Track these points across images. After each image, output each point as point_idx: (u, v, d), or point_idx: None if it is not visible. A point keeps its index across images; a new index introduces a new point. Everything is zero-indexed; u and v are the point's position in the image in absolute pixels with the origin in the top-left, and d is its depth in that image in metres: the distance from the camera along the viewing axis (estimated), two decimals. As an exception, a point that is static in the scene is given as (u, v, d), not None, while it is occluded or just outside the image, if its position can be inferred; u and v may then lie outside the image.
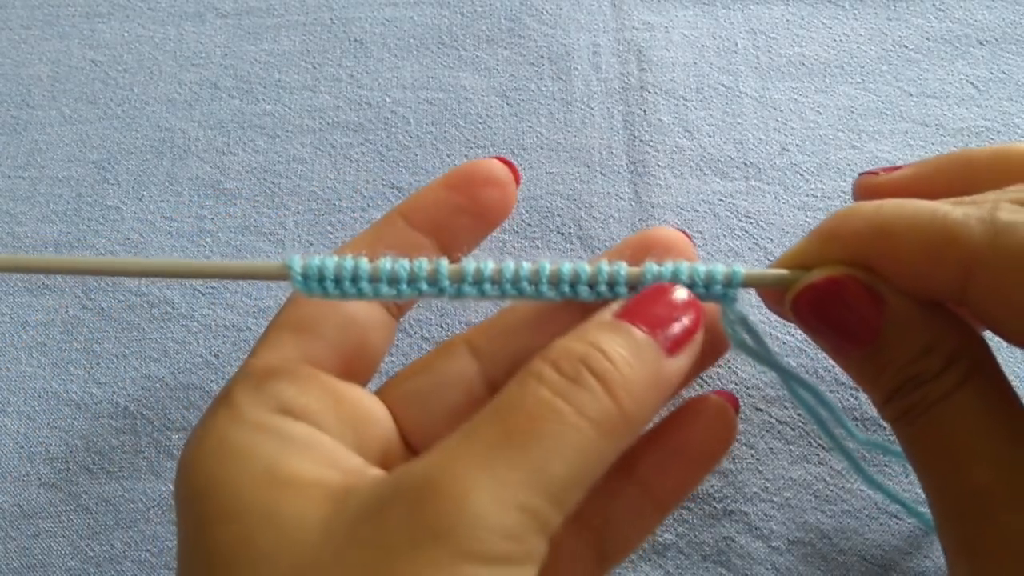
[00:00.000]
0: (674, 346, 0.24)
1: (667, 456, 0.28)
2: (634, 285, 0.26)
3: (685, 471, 0.29)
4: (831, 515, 0.34)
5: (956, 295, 0.24)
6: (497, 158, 0.30)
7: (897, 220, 0.25)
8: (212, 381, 0.37)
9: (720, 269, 0.26)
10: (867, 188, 0.31)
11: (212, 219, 0.41)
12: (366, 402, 0.27)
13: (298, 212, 0.41)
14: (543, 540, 0.21)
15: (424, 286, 0.26)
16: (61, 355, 0.38)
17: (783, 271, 0.27)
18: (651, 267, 0.26)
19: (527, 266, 0.26)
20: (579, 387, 0.22)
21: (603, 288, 0.26)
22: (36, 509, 0.35)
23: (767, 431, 0.35)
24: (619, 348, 0.23)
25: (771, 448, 0.35)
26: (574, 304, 0.26)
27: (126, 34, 0.47)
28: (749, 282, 0.27)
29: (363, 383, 0.29)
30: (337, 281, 0.26)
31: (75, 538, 0.34)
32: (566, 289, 0.26)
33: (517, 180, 0.30)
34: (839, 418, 0.31)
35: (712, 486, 0.34)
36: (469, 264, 0.26)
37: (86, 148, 0.43)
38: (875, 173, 0.31)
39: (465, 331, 0.30)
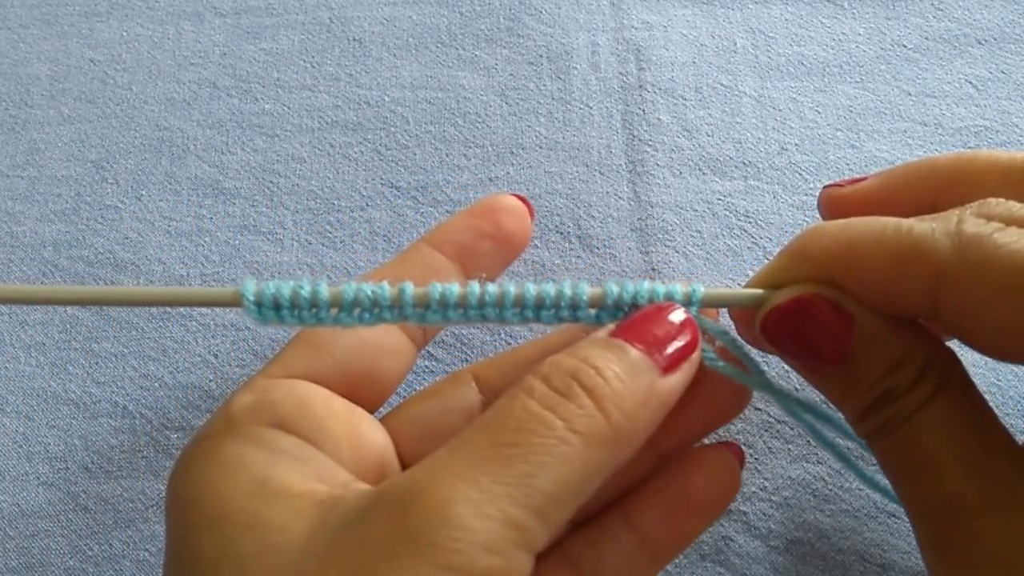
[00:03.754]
0: (669, 365, 0.24)
1: (667, 506, 0.28)
2: (596, 305, 0.26)
3: (684, 522, 0.28)
4: (830, 514, 0.34)
5: (926, 309, 0.24)
6: (513, 194, 0.31)
7: (864, 237, 0.25)
8: (211, 380, 0.37)
9: (679, 288, 0.26)
10: (832, 200, 0.31)
11: (211, 218, 0.41)
12: (364, 424, 0.27)
13: (297, 211, 0.41)
14: (528, 556, 0.21)
15: (387, 313, 0.25)
16: (60, 354, 0.38)
17: (742, 290, 0.27)
18: (611, 287, 0.26)
19: (493, 290, 0.25)
20: (568, 401, 0.22)
21: (565, 312, 0.26)
22: (35, 508, 0.35)
23: (766, 430, 0.35)
24: (611, 364, 0.23)
25: (770, 447, 0.35)
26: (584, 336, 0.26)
27: (125, 33, 0.47)
28: (709, 301, 0.27)
29: (374, 406, 0.29)
30: (293, 308, 0.25)
31: (74, 537, 0.34)
32: (529, 313, 0.26)
33: (532, 214, 0.31)
34: (829, 417, 0.31)
35: (711, 485, 0.35)
36: (435, 288, 0.25)
37: (85, 147, 0.43)
38: (840, 185, 0.31)
39: (476, 362, 0.30)
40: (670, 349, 0.24)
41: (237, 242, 0.40)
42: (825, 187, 0.32)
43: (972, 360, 0.26)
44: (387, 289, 0.25)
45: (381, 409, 0.30)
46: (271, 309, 0.25)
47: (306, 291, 0.25)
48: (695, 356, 0.25)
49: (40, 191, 0.42)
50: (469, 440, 0.22)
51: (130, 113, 0.44)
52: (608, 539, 0.27)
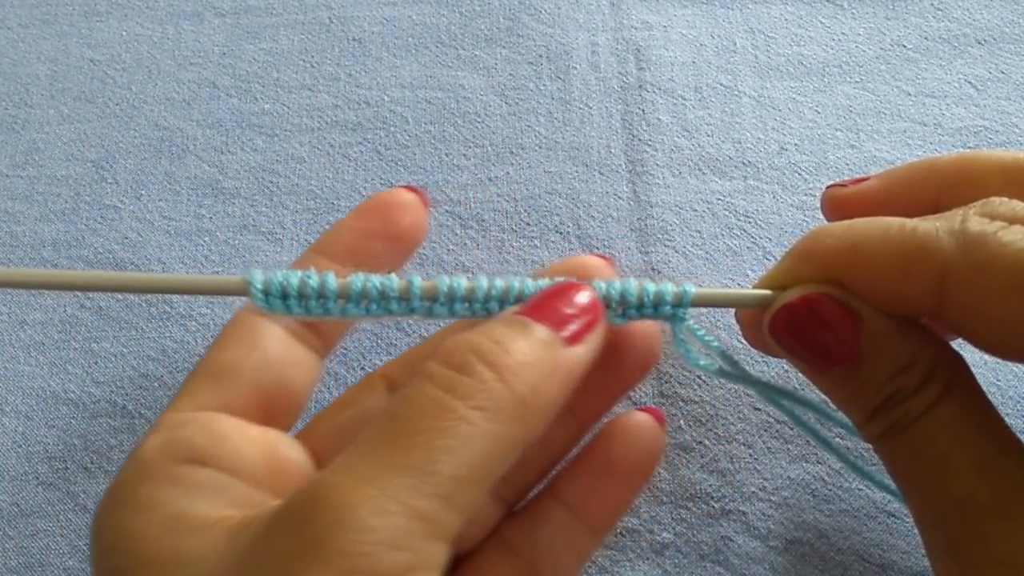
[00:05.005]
0: (574, 337, 0.24)
1: (592, 477, 0.28)
2: None
3: (614, 491, 0.28)
4: (829, 514, 0.34)
5: (931, 309, 0.24)
6: (406, 187, 0.30)
7: (868, 237, 0.25)
8: (210, 380, 0.37)
9: (670, 287, 0.26)
10: (835, 200, 0.31)
11: (210, 218, 0.41)
12: (281, 446, 0.27)
13: (296, 211, 0.41)
14: (440, 544, 0.21)
15: (394, 305, 0.25)
16: (59, 354, 0.38)
17: (749, 291, 0.27)
18: (599, 284, 0.26)
19: (499, 284, 0.26)
20: (468, 376, 0.22)
21: None
22: (34, 508, 0.35)
23: (765, 430, 0.35)
24: (514, 338, 0.23)
25: (769, 447, 0.35)
26: None
27: (124, 33, 0.47)
28: (715, 302, 0.27)
29: (289, 424, 0.28)
30: (301, 298, 0.25)
31: (73, 537, 0.34)
32: None
33: (426, 205, 0.30)
34: (831, 417, 0.31)
35: (710, 485, 0.35)
36: (443, 281, 0.25)
37: (84, 147, 0.43)
38: (843, 185, 0.31)
39: (385, 364, 0.30)
40: (574, 323, 0.24)
41: (237, 242, 0.40)
42: (828, 187, 0.32)
43: (971, 360, 0.26)
44: (395, 281, 0.25)
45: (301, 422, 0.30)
46: (278, 299, 0.25)
47: (314, 281, 0.25)
48: (600, 329, 0.25)
49: (39, 191, 0.42)
50: (369, 437, 0.21)
51: (130, 113, 0.44)
52: (541, 519, 0.27)
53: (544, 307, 0.24)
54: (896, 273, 0.24)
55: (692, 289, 0.26)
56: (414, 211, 0.30)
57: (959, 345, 0.26)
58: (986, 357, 0.25)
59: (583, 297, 0.25)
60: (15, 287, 0.27)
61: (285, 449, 0.27)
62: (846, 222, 0.26)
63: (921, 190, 0.29)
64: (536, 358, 0.23)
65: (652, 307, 0.26)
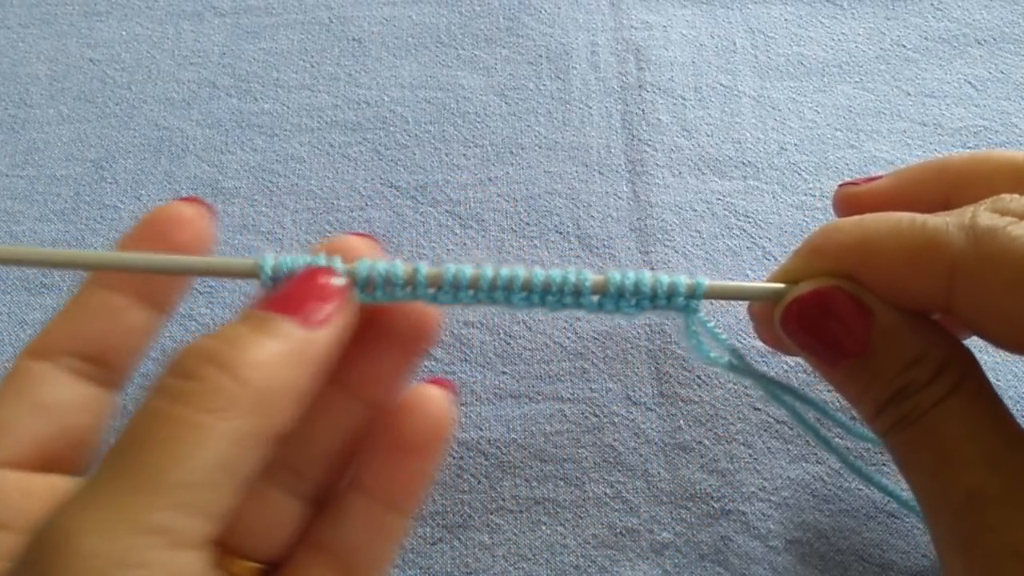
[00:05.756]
0: (315, 321, 0.24)
1: (386, 456, 0.27)
2: (600, 291, 0.26)
3: (408, 467, 0.27)
4: (829, 514, 0.34)
5: (941, 303, 0.24)
6: (184, 198, 0.29)
7: (879, 231, 0.25)
8: (210, 380, 0.37)
9: (683, 280, 0.26)
10: (847, 198, 0.32)
11: (210, 218, 0.41)
12: (60, 494, 0.26)
13: (296, 211, 0.41)
14: (189, 553, 0.21)
15: (399, 292, 0.26)
16: (59, 354, 0.38)
17: (761, 284, 0.27)
18: (613, 275, 0.26)
19: (505, 273, 0.26)
20: (195, 381, 0.21)
21: (568, 298, 0.26)
22: (34, 508, 0.35)
23: (765, 430, 0.35)
24: (246, 332, 0.23)
25: (769, 447, 0.35)
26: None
27: (124, 32, 0.47)
28: (729, 295, 0.27)
29: (82, 466, 0.27)
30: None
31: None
32: (536, 298, 0.26)
33: (211, 213, 0.29)
34: (831, 416, 0.31)
35: (710, 485, 0.35)
36: (448, 269, 0.26)
37: (84, 147, 0.43)
38: (855, 183, 0.31)
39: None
40: (316, 307, 0.24)
41: (236, 242, 0.40)
42: (840, 185, 0.32)
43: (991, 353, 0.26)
44: (400, 267, 0.25)
45: None
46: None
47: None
48: (345, 310, 0.25)
49: (39, 190, 0.42)
50: (102, 463, 0.21)
51: (129, 113, 0.44)
52: (344, 510, 0.27)
53: (284, 296, 0.24)
54: (906, 267, 0.24)
55: (706, 281, 0.27)
56: (193, 224, 0.28)
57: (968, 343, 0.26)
58: (986, 358, 0.25)
59: (325, 280, 0.25)
60: (20, 264, 0.27)
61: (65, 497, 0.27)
62: (856, 217, 0.26)
63: (932, 189, 0.29)
64: (272, 348, 0.22)
65: (665, 298, 0.26)
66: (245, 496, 0.24)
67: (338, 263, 0.25)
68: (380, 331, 0.27)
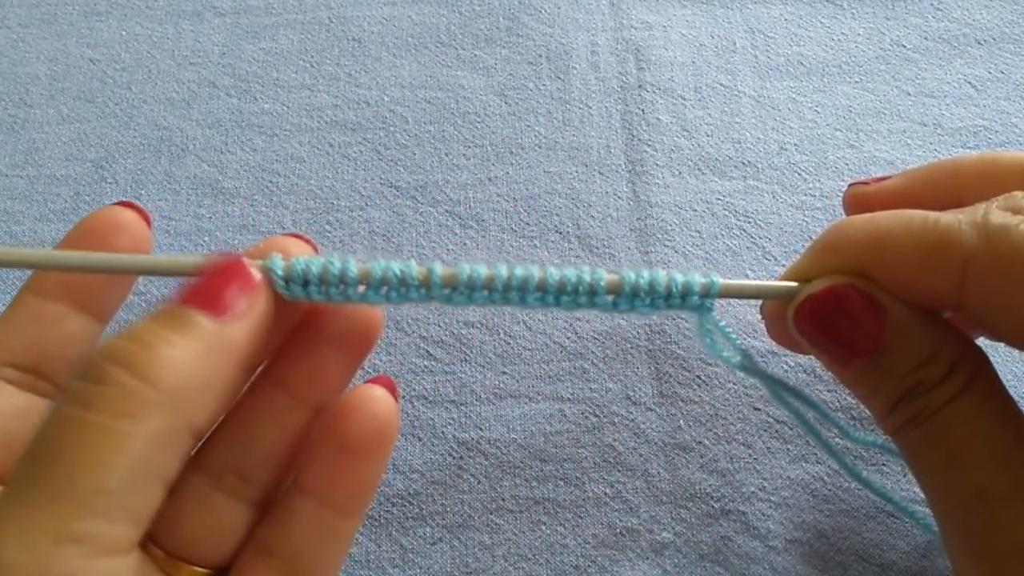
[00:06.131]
0: (230, 315, 0.23)
1: (330, 459, 0.26)
2: (614, 291, 0.26)
3: (352, 469, 0.27)
4: (829, 514, 0.34)
5: (953, 301, 0.24)
6: (120, 203, 0.28)
7: (891, 229, 0.25)
8: (210, 380, 0.37)
9: (697, 279, 0.26)
10: (857, 198, 0.32)
11: (210, 218, 0.41)
12: None
13: (296, 211, 0.41)
14: (111, 559, 0.20)
15: (413, 292, 0.25)
16: (59, 354, 0.38)
17: (774, 283, 0.27)
18: (628, 274, 0.26)
19: (520, 272, 0.26)
20: (105, 385, 0.21)
21: (583, 298, 0.26)
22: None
23: (765, 431, 0.35)
24: (156, 330, 0.22)
25: (769, 448, 0.35)
26: None
27: (124, 32, 0.47)
28: (742, 294, 0.27)
29: None
30: (321, 285, 0.25)
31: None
32: (550, 298, 0.26)
33: (147, 221, 0.29)
34: (831, 419, 0.31)
35: (710, 485, 0.35)
36: (463, 269, 0.25)
37: (84, 147, 0.43)
38: (865, 183, 0.31)
39: None
40: (229, 300, 0.23)
41: (236, 242, 0.40)
42: (850, 185, 0.32)
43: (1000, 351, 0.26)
44: (414, 268, 0.25)
45: None
46: (299, 285, 0.25)
47: (335, 267, 0.25)
48: (260, 303, 0.24)
49: (39, 190, 0.42)
50: (15, 476, 0.21)
51: (129, 113, 0.44)
52: (290, 514, 0.26)
53: (197, 290, 0.24)
54: (918, 264, 0.24)
55: (720, 280, 0.26)
56: (131, 230, 0.28)
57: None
58: (992, 358, 0.25)
59: (240, 273, 0.24)
60: (18, 266, 0.27)
61: None
62: (868, 215, 0.26)
63: (943, 189, 0.29)
64: (183, 345, 0.22)
65: (680, 297, 0.26)
66: (190, 502, 0.24)
67: (352, 266, 0.25)
68: (322, 332, 0.27)
